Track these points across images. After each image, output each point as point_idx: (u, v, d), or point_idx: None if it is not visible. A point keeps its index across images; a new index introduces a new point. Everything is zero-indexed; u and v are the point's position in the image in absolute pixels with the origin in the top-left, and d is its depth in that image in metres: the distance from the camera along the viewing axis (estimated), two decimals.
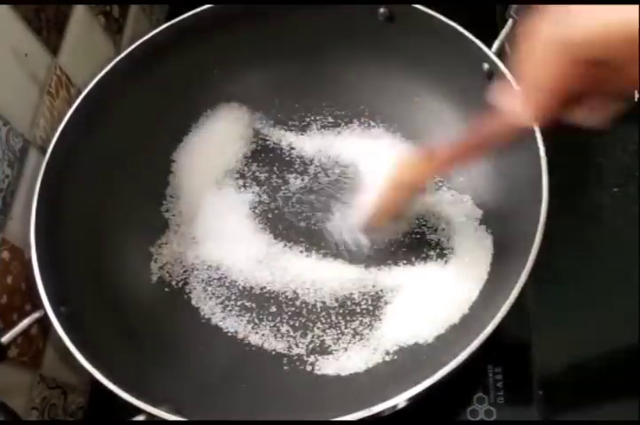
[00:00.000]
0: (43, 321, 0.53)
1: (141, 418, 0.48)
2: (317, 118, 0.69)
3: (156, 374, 0.56)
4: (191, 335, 0.60)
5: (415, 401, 0.47)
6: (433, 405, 0.53)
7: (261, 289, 0.62)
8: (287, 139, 0.68)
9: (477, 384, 0.59)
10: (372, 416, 0.46)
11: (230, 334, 0.61)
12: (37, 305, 0.53)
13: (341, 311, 0.60)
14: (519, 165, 0.56)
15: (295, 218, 0.65)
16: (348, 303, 0.60)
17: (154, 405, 0.48)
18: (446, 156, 0.51)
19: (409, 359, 0.56)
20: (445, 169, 0.57)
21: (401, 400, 0.46)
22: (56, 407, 0.60)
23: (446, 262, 0.60)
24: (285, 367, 0.58)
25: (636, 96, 0.46)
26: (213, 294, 0.63)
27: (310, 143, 0.68)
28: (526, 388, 0.58)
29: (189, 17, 0.64)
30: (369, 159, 0.66)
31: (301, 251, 0.63)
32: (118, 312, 0.59)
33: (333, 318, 0.60)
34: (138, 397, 0.48)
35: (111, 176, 0.64)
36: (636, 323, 0.58)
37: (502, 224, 0.59)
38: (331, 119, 0.69)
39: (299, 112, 0.70)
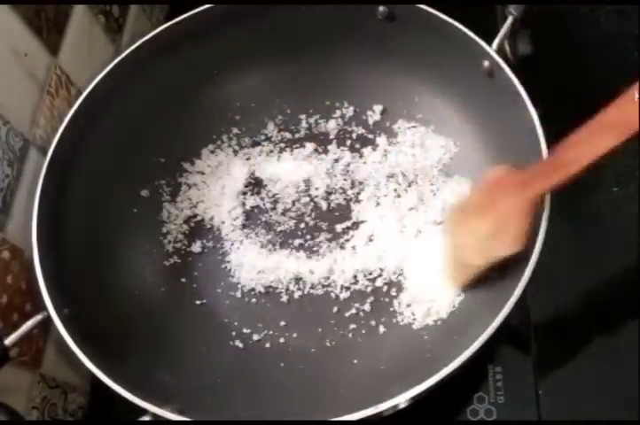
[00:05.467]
0: (44, 321, 0.53)
1: (146, 418, 0.48)
2: (317, 117, 0.69)
3: (159, 374, 0.56)
4: (193, 335, 0.61)
5: (415, 401, 0.47)
6: (433, 404, 0.53)
7: (266, 287, 0.62)
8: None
9: (477, 384, 0.59)
10: (373, 416, 0.46)
11: (233, 333, 0.61)
12: (38, 305, 0.53)
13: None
14: (521, 165, 0.56)
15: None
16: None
17: (159, 405, 0.48)
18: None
19: (413, 358, 0.56)
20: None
21: (401, 400, 0.46)
22: (56, 407, 0.60)
23: None
24: (289, 367, 0.59)
25: (636, 96, 0.46)
26: (216, 294, 0.63)
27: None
28: (526, 388, 0.58)
29: (189, 17, 0.64)
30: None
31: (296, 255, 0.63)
32: (120, 313, 0.59)
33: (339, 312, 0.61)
34: (143, 397, 0.48)
35: (111, 176, 0.64)
36: (636, 323, 0.58)
37: None
38: (331, 120, 0.69)
39: (299, 112, 0.70)
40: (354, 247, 0.63)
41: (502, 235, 0.50)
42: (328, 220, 0.65)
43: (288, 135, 0.70)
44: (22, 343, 0.53)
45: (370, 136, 0.68)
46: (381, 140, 0.67)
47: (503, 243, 0.50)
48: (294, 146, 0.69)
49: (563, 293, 0.62)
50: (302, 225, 0.65)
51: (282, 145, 0.69)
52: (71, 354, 0.50)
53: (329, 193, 0.66)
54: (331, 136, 0.69)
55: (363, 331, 0.60)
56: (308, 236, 0.64)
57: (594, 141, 0.47)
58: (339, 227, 0.64)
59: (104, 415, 0.64)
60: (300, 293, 0.62)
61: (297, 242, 0.64)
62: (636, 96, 0.46)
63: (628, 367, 0.57)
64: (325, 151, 0.68)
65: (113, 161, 0.64)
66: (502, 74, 0.56)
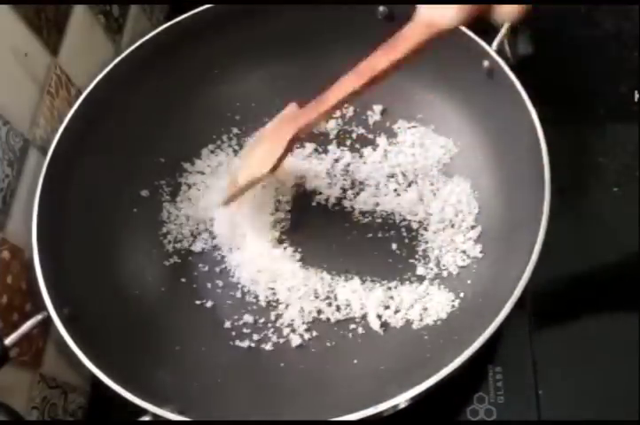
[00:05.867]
0: (44, 321, 0.53)
1: (146, 418, 0.48)
2: None
3: (159, 374, 0.56)
4: (193, 335, 0.61)
5: (415, 401, 0.47)
6: (433, 404, 0.53)
7: (266, 291, 0.62)
8: None
9: (477, 384, 0.59)
10: (373, 416, 0.46)
11: (233, 333, 0.61)
12: (38, 305, 0.53)
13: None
14: (521, 165, 0.56)
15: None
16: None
17: (159, 405, 0.48)
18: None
19: (413, 358, 0.56)
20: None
21: (401, 400, 0.46)
22: (56, 407, 0.60)
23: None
24: (289, 367, 0.59)
25: (637, 96, 0.46)
26: (216, 294, 0.63)
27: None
28: (526, 388, 0.58)
29: (189, 17, 0.64)
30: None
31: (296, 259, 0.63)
32: (120, 313, 0.59)
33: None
34: (143, 397, 0.48)
35: (111, 176, 0.64)
36: (637, 322, 0.58)
37: (503, 224, 0.59)
38: (331, 120, 0.69)
39: None
40: None
41: (264, 158, 0.58)
42: (328, 219, 0.65)
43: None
44: (22, 343, 0.53)
45: (370, 136, 0.68)
46: (381, 140, 0.67)
47: (262, 164, 0.57)
48: (294, 146, 0.69)
49: (563, 293, 0.62)
50: (303, 225, 0.65)
51: None
52: (71, 354, 0.50)
53: (329, 193, 0.66)
54: (331, 136, 0.69)
55: (363, 331, 0.60)
56: (309, 236, 0.64)
57: (350, 79, 0.53)
58: (339, 227, 0.64)
59: (104, 415, 0.64)
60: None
61: (297, 241, 0.64)
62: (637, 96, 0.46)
63: (628, 367, 0.57)
64: (325, 151, 0.68)
65: (113, 161, 0.64)
66: (502, 74, 0.56)
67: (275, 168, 0.57)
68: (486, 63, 0.58)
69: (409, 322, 0.59)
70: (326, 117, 0.56)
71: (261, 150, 0.59)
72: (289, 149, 0.57)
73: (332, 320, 0.60)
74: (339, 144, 0.68)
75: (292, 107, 0.59)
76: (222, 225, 0.65)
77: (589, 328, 0.60)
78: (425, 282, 0.60)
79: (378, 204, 0.65)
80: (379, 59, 0.51)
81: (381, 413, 0.46)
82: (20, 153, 0.57)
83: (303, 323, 0.60)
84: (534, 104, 0.54)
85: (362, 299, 0.60)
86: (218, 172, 0.68)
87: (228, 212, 0.65)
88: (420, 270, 0.61)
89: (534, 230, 0.50)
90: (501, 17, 0.46)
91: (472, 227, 0.61)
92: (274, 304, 0.62)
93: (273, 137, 0.58)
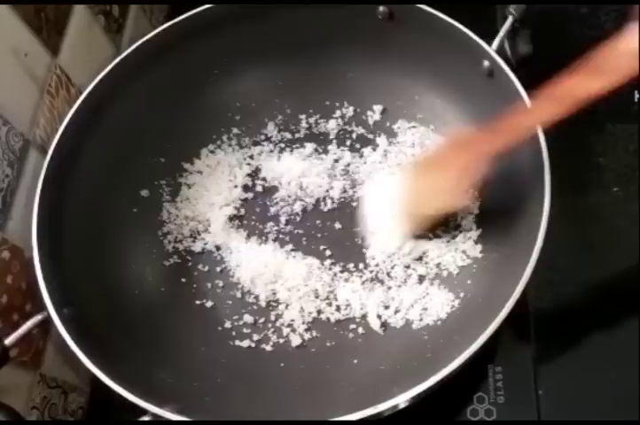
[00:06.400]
0: (44, 321, 0.53)
1: (146, 418, 0.48)
2: (317, 117, 0.69)
3: (159, 374, 0.56)
4: (193, 335, 0.61)
5: (415, 401, 0.47)
6: (433, 404, 0.53)
7: (266, 291, 0.62)
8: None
9: (477, 384, 0.59)
10: (373, 416, 0.46)
11: (233, 333, 0.61)
12: (38, 305, 0.53)
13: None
14: (521, 165, 0.56)
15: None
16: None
17: (158, 405, 0.48)
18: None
19: (413, 358, 0.56)
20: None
21: (401, 400, 0.46)
22: (56, 407, 0.60)
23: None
24: (289, 367, 0.59)
25: (637, 96, 0.46)
26: (216, 294, 0.63)
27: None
28: (527, 388, 0.58)
29: (189, 17, 0.64)
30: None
31: (295, 256, 0.63)
32: (120, 313, 0.59)
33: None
34: (143, 397, 0.48)
35: (111, 176, 0.64)
36: (637, 322, 0.58)
37: (503, 224, 0.59)
38: (331, 120, 0.69)
39: (299, 112, 0.70)
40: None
41: (453, 189, 0.55)
42: (328, 220, 0.65)
43: (288, 135, 0.70)
44: (22, 343, 0.53)
45: (370, 136, 0.68)
46: (381, 140, 0.67)
47: (453, 196, 0.55)
48: (294, 146, 0.69)
49: (563, 293, 0.62)
50: (303, 225, 0.65)
51: (282, 145, 0.69)
52: (71, 354, 0.50)
53: (329, 193, 0.66)
54: (331, 136, 0.69)
55: (363, 331, 0.60)
56: (309, 236, 0.64)
57: (543, 109, 0.49)
58: (339, 227, 0.64)
59: (104, 415, 0.64)
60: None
61: (297, 241, 0.64)
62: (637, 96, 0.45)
63: (627, 367, 0.57)
64: (325, 151, 0.68)
65: (113, 161, 0.64)
66: (502, 74, 0.56)
67: (463, 199, 0.56)
68: (486, 63, 0.58)
69: (409, 322, 0.59)
70: (511, 145, 0.51)
71: (439, 180, 0.55)
72: (473, 177, 0.54)
73: (332, 320, 0.60)
74: (339, 144, 0.68)
75: (463, 132, 0.56)
76: (222, 225, 0.65)
77: (590, 328, 0.60)
78: (425, 282, 0.60)
79: None
80: (580, 85, 0.47)
81: (381, 413, 0.46)
82: (20, 153, 0.57)
83: (303, 323, 0.60)
84: None
85: (362, 299, 0.60)
86: (218, 172, 0.68)
87: (227, 212, 0.65)
88: (420, 270, 0.61)
89: (534, 230, 0.50)
90: None
91: (472, 228, 0.61)
92: (274, 304, 0.62)
93: (448, 166, 0.55)
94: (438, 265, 0.61)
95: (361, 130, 0.69)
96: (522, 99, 0.54)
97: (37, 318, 0.53)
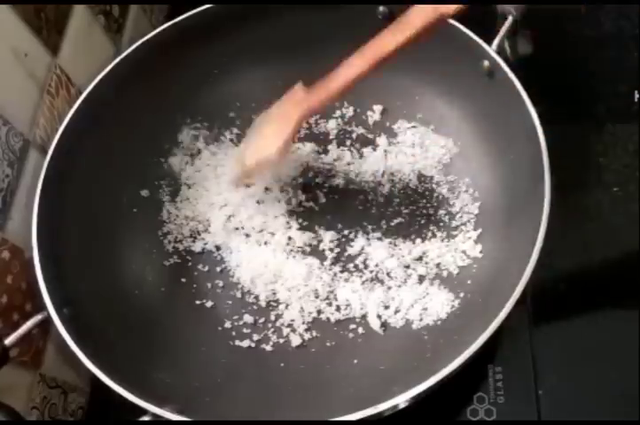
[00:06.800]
0: (44, 321, 0.53)
1: (146, 418, 0.48)
2: (317, 117, 0.69)
3: (159, 374, 0.56)
4: (193, 335, 0.61)
5: (415, 401, 0.47)
6: (433, 404, 0.53)
7: (266, 291, 0.62)
8: None
9: (477, 384, 0.59)
10: (373, 416, 0.46)
11: (233, 333, 0.61)
12: (38, 305, 0.53)
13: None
14: (521, 164, 0.56)
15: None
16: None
17: (158, 405, 0.48)
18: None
19: (413, 358, 0.56)
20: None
21: (401, 400, 0.46)
22: (56, 407, 0.60)
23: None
24: (289, 367, 0.59)
25: (637, 96, 0.46)
26: (216, 294, 0.63)
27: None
28: (526, 388, 0.58)
29: (189, 17, 0.64)
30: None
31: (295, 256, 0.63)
32: (120, 313, 0.59)
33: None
34: (143, 397, 0.48)
35: (111, 176, 0.64)
36: (637, 322, 0.58)
37: (503, 224, 0.59)
38: (331, 120, 0.69)
39: None
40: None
41: (272, 139, 0.58)
42: (328, 220, 0.65)
43: None
44: (22, 343, 0.53)
45: (370, 136, 0.68)
46: (381, 140, 0.67)
47: (269, 145, 0.58)
48: (300, 128, 0.68)
49: (563, 293, 0.62)
50: (303, 225, 0.65)
51: None
52: (71, 354, 0.50)
53: (329, 193, 0.66)
54: (331, 136, 0.69)
55: (363, 331, 0.60)
56: (309, 237, 0.64)
57: (354, 69, 0.54)
58: (339, 228, 0.64)
59: (104, 415, 0.64)
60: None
61: (297, 242, 0.64)
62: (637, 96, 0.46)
63: (627, 366, 0.57)
64: (325, 151, 0.68)
65: (113, 161, 0.64)
66: (502, 74, 0.56)
67: (282, 150, 0.58)
68: (486, 63, 0.58)
69: (408, 322, 0.59)
70: (333, 99, 0.56)
71: (268, 132, 0.59)
72: (296, 130, 0.57)
73: (332, 320, 0.60)
74: (339, 144, 0.68)
75: (297, 89, 0.58)
76: (222, 225, 0.65)
77: (590, 328, 0.60)
78: (425, 282, 0.60)
79: None
80: (386, 41, 0.52)
81: (381, 413, 0.46)
82: (20, 153, 0.57)
83: (303, 323, 0.60)
84: (535, 104, 0.54)
85: (362, 299, 0.60)
86: (218, 171, 0.68)
87: (227, 212, 0.65)
88: (420, 270, 0.61)
89: (534, 230, 0.50)
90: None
91: (472, 228, 0.61)
92: (274, 304, 0.62)
93: (280, 118, 0.58)
94: (438, 265, 0.61)
95: (361, 130, 0.69)
96: (522, 99, 0.54)
97: (37, 318, 0.53)
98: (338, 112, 0.70)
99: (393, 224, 0.64)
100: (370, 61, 0.53)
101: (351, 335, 0.60)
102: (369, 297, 0.60)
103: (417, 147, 0.66)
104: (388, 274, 0.61)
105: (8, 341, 0.51)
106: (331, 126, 0.69)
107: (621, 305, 0.60)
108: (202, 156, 0.69)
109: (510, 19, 0.59)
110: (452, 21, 0.58)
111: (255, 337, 0.60)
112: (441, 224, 0.63)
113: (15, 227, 0.56)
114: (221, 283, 0.63)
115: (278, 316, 0.61)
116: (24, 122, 0.58)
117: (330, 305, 0.61)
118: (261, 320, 0.61)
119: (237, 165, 0.63)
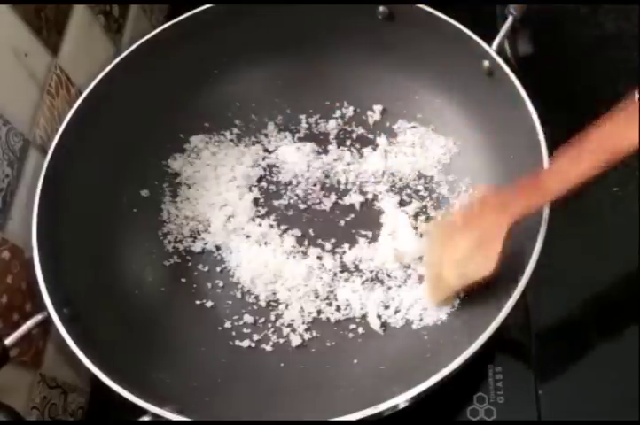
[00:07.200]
0: (44, 321, 0.53)
1: (146, 418, 0.48)
2: (317, 117, 0.69)
3: (159, 374, 0.56)
4: (193, 335, 0.61)
5: (415, 401, 0.47)
6: (433, 404, 0.53)
7: (266, 291, 0.62)
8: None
9: (477, 384, 0.59)
10: (373, 416, 0.46)
11: (233, 333, 0.61)
12: (38, 305, 0.53)
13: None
14: (521, 164, 0.56)
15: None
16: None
17: (158, 405, 0.48)
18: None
19: (413, 358, 0.56)
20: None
21: (401, 400, 0.46)
22: (56, 407, 0.60)
23: None
24: (289, 367, 0.59)
25: (637, 96, 0.46)
26: (216, 294, 0.63)
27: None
28: (526, 388, 0.58)
29: (189, 17, 0.64)
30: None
31: (295, 256, 0.63)
32: (120, 313, 0.59)
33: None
34: (143, 397, 0.48)
35: (111, 176, 0.64)
36: (637, 322, 0.58)
37: None
38: (331, 120, 0.69)
39: (299, 112, 0.70)
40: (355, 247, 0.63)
41: (479, 256, 0.51)
42: (329, 220, 0.65)
43: (288, 135, 0.70)
44: (22, 343, 0.53)
45: (370, 136, 0.68)
46: (381, 140, 0.67)
47: (480, 264, 0.50)
48: (294, 146, 0.69)
49: (563, 293, 0.62)
50: (303, 225, 0.65)
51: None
52: (71, 354, 0.50)
53: (329, 193, 0.66)
54: (331, 136, 0.69)
55: (363, 331, 0.60)
56: (309, 236, 0.64)
57: (580, 165, 0.45)
58: (339, 227, 0.64)
59: (104, 415, 0.64)
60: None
61: (297, 242, 0.64)
62: (637, 96, 0.45)
63: (627, 367, 0.57)
64: (325, 151, 0.68)
65: (113, 161, 0.64)
66: (502, 74, 0.56)
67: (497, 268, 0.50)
68: (486, 63, 0.58)
69: (409, 322, 0.59)
70: (544, 204, 0.48)
71: (471, 245, 0.51)
72: (506, 241, 0.50)
73: (332, 320, 0.60)
74: (339, 144, 0.68)
75: (489, 190, 0.52)
76: (222, 225, 0.65)
77: (590, 328, 0.60)
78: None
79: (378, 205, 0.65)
80: (612, 137, 0.45)
81: (381, 413, 0.47)
82: (20, 153, 0.57)
83: (303, 323, 0.60)
84: (534, 104, 0.54)
85: (362, 299, 0.60)
86: (218, 172, 0.68)
87: (227, 212, 0.65)
88: (420, 270, 0.61)
89: (534, 230, 0.50)
90: None
91: None
92: (274, 304, 0.62)
93: (481, 228, 0.51)
94: None
95: (361, 130, 0.69)
96: (522, 99, 0.54)
97: (37, 318, 0.53)
98: (338, 112, 0.70)
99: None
100: (590, 167, 0.44)
101: (351, 335, 0.60)
102: (369, 297, 0.60)
103: (417, 147, 0.66)
104: (388, 274, 0.61)
105: (8, 341, 0.51)
106: (331, 126, 0.69)
107: (622, 305, 0.60)
108: (202, 156, 0.69)
109: (510, 19, 0.59)
110: (452, 21, 0.58)
111: (255, 337, 0.60)
112: None
113: (15, 227, 0.56)
114: (221, 283, 0.63)
115: (278, 316, 0.61)
116: (24, 122, 0.58)
117: (330, 305, 0.61)
118: (261, 320, 0.61)
119: (430, 278, 0.57)
